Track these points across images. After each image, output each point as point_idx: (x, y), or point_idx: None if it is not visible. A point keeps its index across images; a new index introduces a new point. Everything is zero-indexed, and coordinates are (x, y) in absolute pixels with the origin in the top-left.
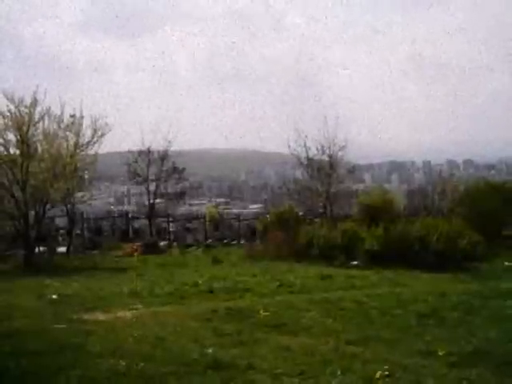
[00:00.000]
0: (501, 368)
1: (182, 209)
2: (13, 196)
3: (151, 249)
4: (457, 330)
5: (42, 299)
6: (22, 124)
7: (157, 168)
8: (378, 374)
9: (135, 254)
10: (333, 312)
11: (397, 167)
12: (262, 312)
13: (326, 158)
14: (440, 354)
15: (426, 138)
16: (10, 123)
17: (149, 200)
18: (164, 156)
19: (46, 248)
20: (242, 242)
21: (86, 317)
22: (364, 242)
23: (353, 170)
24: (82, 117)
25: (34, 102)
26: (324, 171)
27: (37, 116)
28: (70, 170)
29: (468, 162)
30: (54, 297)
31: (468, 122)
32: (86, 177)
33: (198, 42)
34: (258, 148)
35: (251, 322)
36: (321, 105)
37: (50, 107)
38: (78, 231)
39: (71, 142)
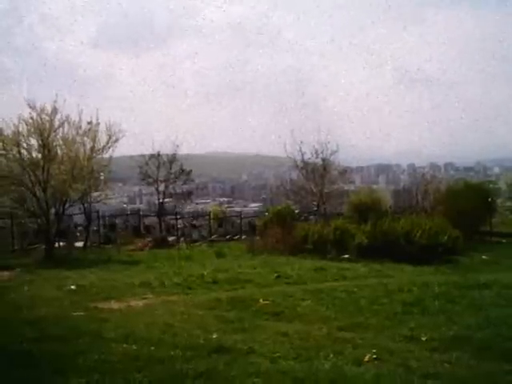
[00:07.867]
0: (479, 352)
1: (189, 207)
2: (35, 196)
3: (161, 244)
4: (438, 317)
5: (61, 289)
6: (44, 130)
7: (166, 170)
8: (367, 357)
9: (146, 248)
10: (326, 301)
11: (384, 169)
12: (261, 301)
13: (319, 161)
14: (423, 339)
15: (410, 143)
16: (32, 129)
17: (158, 199)
18: (172, 159)
19: (65, 243)
20: (244, 237)
21: (101, 305)
22: (354, 238)
23: (344, 171)
24: (97, 124)
25: (54, 110)
26: (318, 173)
27: (57, 123)
28: (87, 172)
29: (449, 165)
30: (73, 287)
31: (449, 129)
32: (102, 178)
33: (203, 54)
34: (258, 152)
35: (252, 310)
36: (315, 113)
37: (68, 115)
38: (94, 227)
39: (88, 147)
